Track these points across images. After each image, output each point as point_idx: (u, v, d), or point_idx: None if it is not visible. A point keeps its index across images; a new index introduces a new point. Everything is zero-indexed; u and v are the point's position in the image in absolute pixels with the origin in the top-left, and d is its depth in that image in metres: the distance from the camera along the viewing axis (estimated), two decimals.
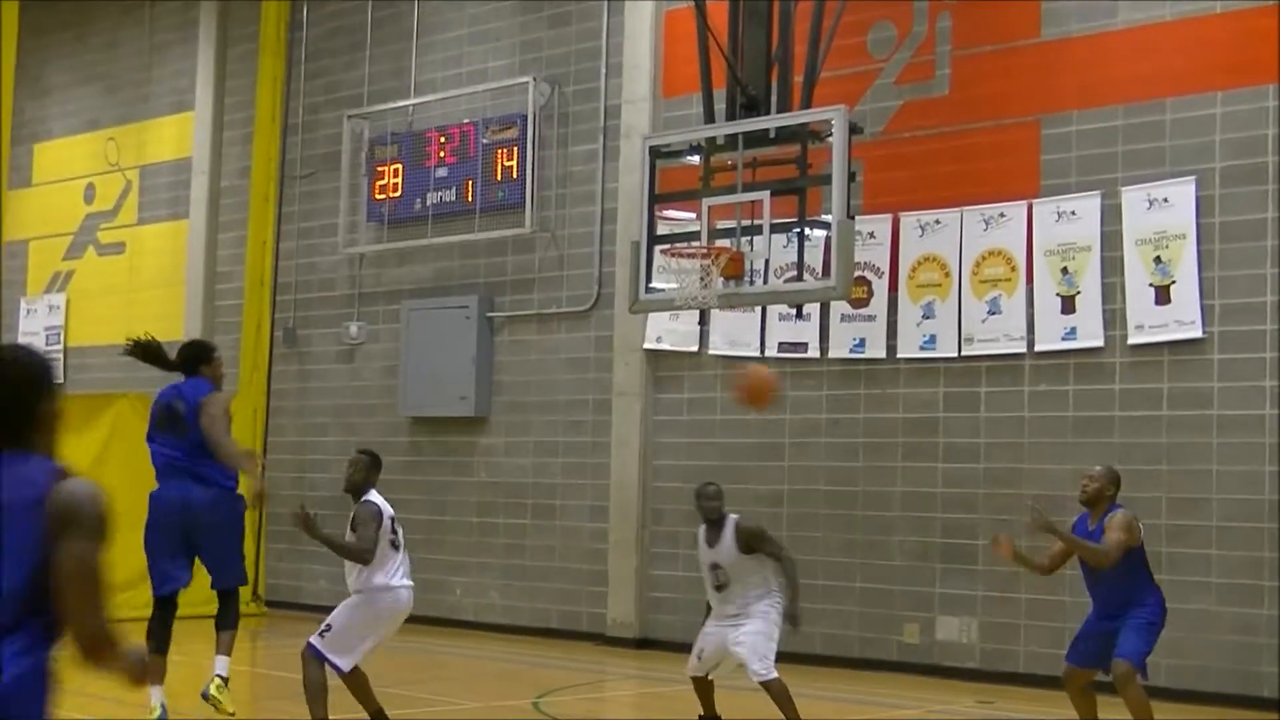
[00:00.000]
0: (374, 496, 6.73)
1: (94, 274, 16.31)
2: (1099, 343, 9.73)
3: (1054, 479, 9.81)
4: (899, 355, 10.52)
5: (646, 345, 11.69)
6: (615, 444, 11.88)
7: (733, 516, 7.29)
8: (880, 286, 10.66)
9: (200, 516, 7.27)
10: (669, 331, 11.56)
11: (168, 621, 7.37)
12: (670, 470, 11.71)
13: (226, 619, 7.44)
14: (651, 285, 9.17)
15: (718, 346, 11.31)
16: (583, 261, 12.40)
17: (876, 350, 10.64)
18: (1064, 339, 9.87)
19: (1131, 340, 9.63)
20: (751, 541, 7.15)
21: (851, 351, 10.75)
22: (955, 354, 10.29)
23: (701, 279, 8.68)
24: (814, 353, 10.89)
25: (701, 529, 7.39)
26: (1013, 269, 10.12)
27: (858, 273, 9.95)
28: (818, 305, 10.48)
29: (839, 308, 10.62)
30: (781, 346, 11.05)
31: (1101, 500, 7.18)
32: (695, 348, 11.43)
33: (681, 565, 11.28)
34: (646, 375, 11.83)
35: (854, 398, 10.84)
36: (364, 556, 6.63)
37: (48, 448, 2.78)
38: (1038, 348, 9.97)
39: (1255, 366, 9.27)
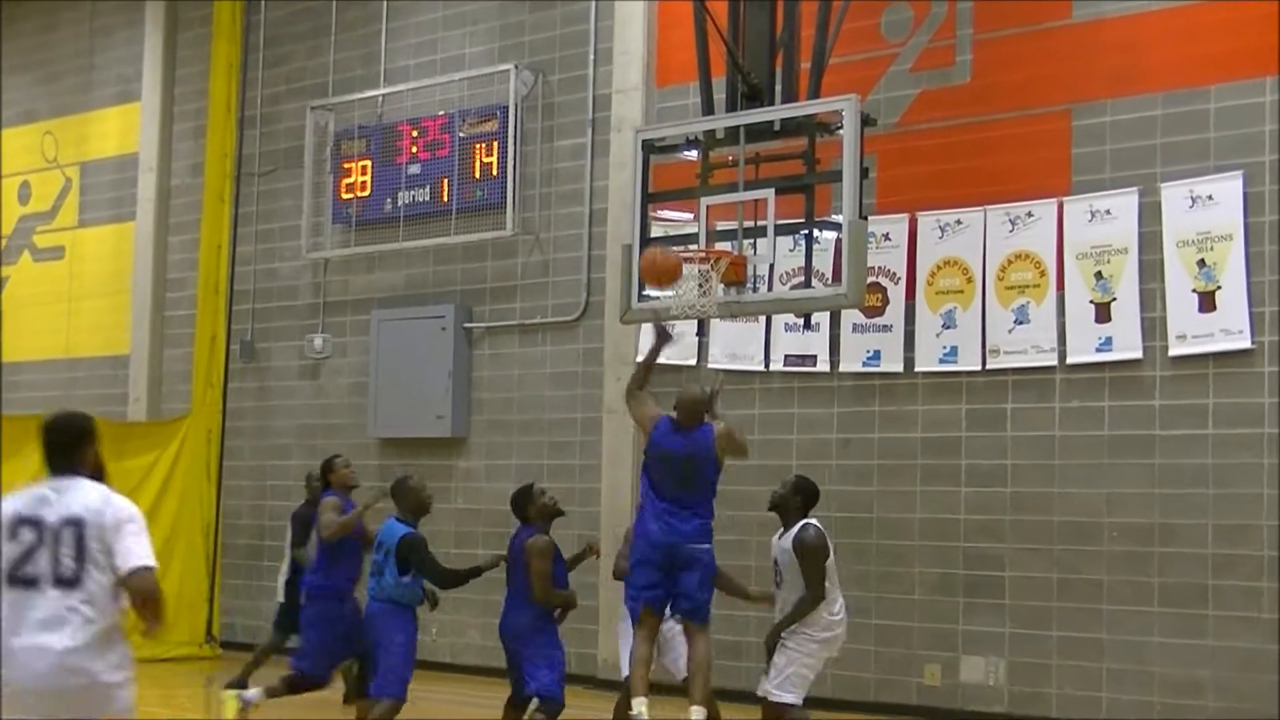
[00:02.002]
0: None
1: (30, 281, 16.27)
2: (1137, 354, 9.75)
3: (1087, 504, 9.90)
4: (917, 369, 10.53)
5: (640, 358, 11.01)
6: (606, 466, 11.87)
7: (807, 521, 7.64)
8: (896, 293, 10.66)
9: None
10: None
11: None
12: None
13: None
14: (645, 293, 9.18)
15: (718, 360, 11.26)
16: (569, 267, 12.43)
17: (892, 363, 10.65)
18: (1098, 350, 9.88)
19: (1173, 351, 9.64)
20: (800, 553, 7.52)
21: (865, 365, 10.75)
22: (979, 367, 10.30)
23: (700, 285, 8.68)
24: (823, 366, 10.91)
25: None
26: (1042, 274, 10.14)
27: (871, 278, 10.05)
28: (827, 314, 10.48)
29: (851, 317, 10.65)
30: (788, 360, 11.08)
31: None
32: (693, 361, 11.33)
33: None
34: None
35: (868, 415, 10.83)
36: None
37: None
38: (1069, 360, 9.98)
39: None
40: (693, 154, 9.22)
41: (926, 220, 10.57)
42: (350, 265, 13.80)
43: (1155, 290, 9.73)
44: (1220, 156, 9.56)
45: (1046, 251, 10.09)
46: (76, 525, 4.48)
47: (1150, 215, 9.75)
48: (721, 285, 8.74)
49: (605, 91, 12.12)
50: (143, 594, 4.40)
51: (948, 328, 10.43)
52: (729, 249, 8.80)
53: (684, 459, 7.73)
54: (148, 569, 4.47)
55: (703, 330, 10.97)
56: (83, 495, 4.56)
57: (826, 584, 7.56)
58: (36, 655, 4.36)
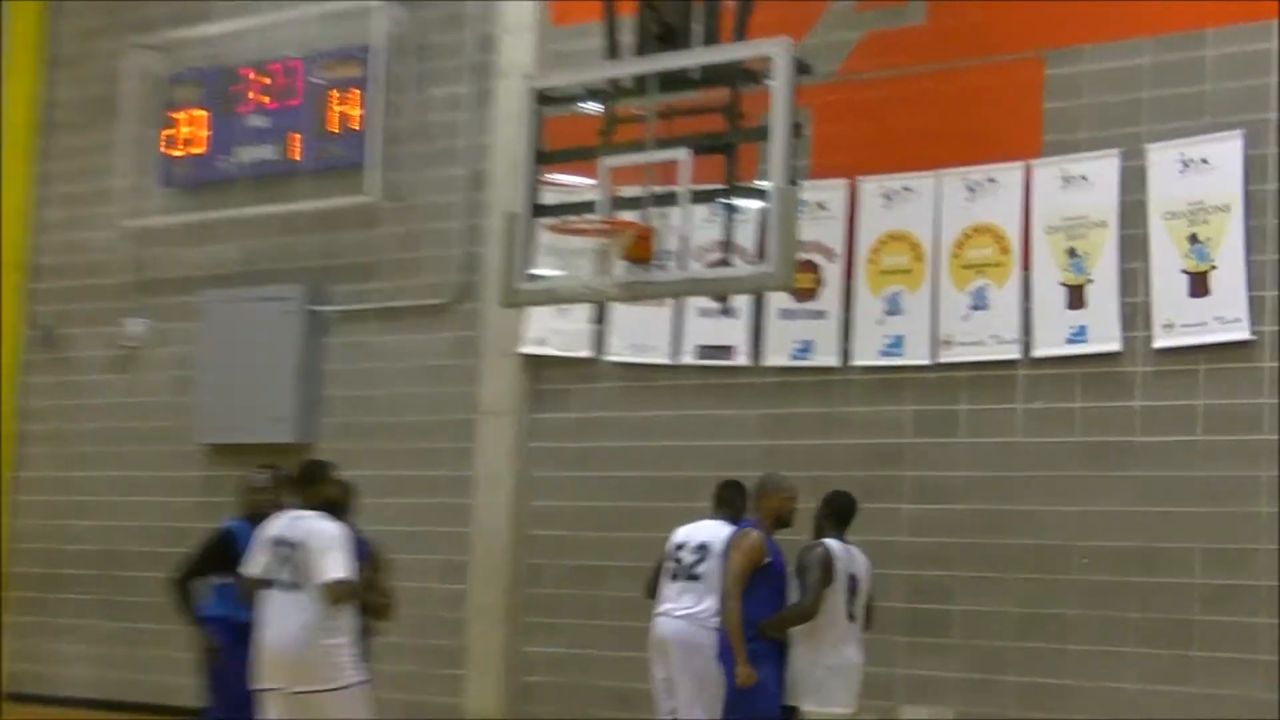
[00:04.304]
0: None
1: None
2: (1116, 346, 9.72)
3: (1054, 525, 9.83)
4: (855, 362, 10.51)
5: (525, 349, 11.70)
6: (480, 480, 11.86)
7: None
8: (832, 273, 10.63)
9: None
10: (555, 332, 11.59)
11: None
12: (552, 515, 11.64)
13: None
14: (533, 271, 9.21)
15: (618, 352, 11.34)
16: (443, 240, 12.39)
17: (826, 356, 10.63)
18: (1070, 342, 9.87)
19: (1158, 343, 9.60)
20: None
21: (793, 358, 10.74)
22: (928, 361, 10.27)
23: (599, 263, 8.80)
24: (744, 359, 10.87)
25: None
26: (1004, 251, 10.13)
27: (803, 255, 10.00)
28: (750, 298, 10.57)
29: (778, 301, 10.64)
30: (702, 352, 11.04)
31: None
32: (589, 353, 11.43)
33: (565, 639, 11.29)
34: (524, 389, 11.84)
35: (796, 419, 10.78)
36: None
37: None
38: (1036, 353, 9.96)
39: None
40: (594, 107, 9.24)
41: (869, 187, 10.57)
42: (176, 236, 13.64)
43: (1138, 270, 9.71)
44: (1217, 113, 9.55)
45: (1011, 224, 10.07)
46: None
47: (1134, 182, 9.74)
48: (624, 262, 8.78)
49: (489, 30, 12.13)
50: None
51: (892, 314, 10.40)
52: (634, 219, 8.81)
53: None
54: None
55: (600, 316, 11.15)
56: None
57: None
58: None
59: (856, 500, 8.59)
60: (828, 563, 8.26)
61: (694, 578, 8.78)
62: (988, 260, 10.19)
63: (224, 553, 8.76)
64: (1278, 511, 9.26)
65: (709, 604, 8.61)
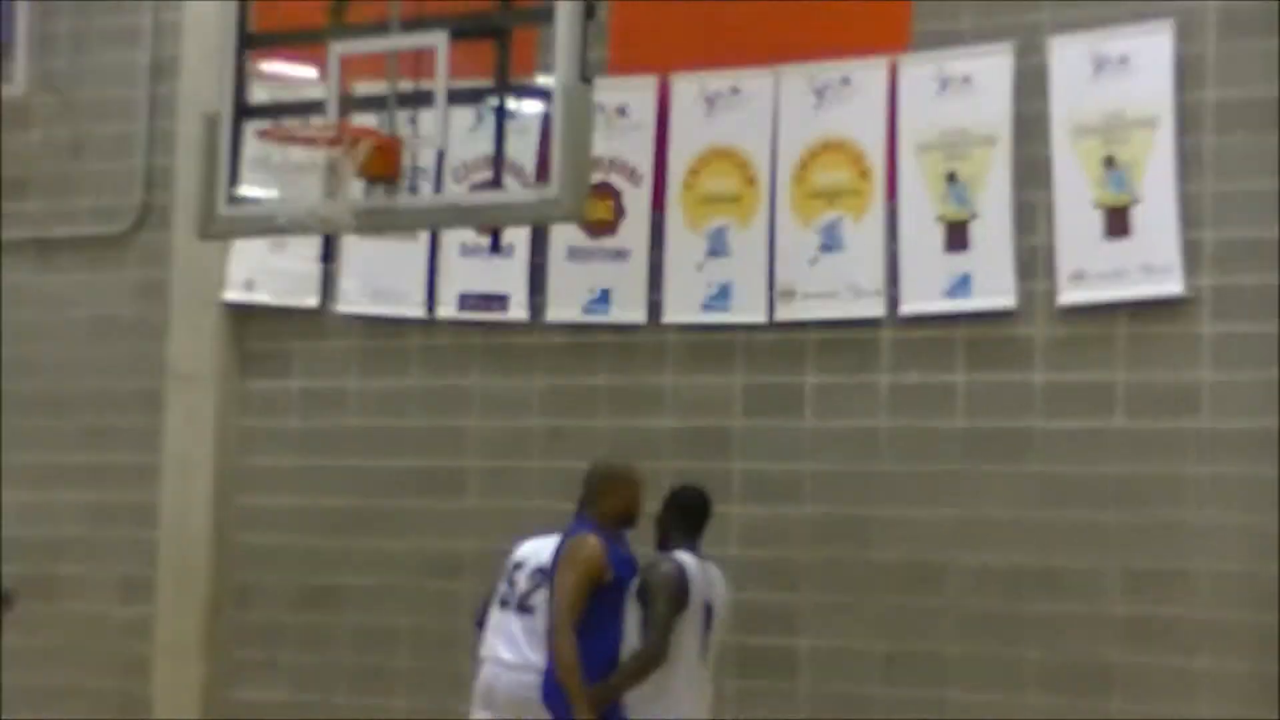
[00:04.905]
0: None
1: None
2: (1009, 302, 9.19)
3: (927, 534, 9.38)
4: (667, 319, 9.99)
5: (229, 296, 10.94)
6: (170, 467, 11.08)
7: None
8: (636, 201, 10.08)
9: None
10: (270, 274, 10.90)
11: None
12: (269, 516, 10.91)
13: None
14: (239, 193, 8.81)
15: (355, 301, 10.66)
16: (118, 148, 11.60)
17: (629, 310, 10.12)
18: (949, 295, 9.36)
19: (1064, 299, 9.08)
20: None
21: (587, 312, 10.23)
22: (764, 318, 9.78)
23: (327, 182, 8.30)
24: (520, 313, 10.33)
25: None
26: (863, 174, 9.66)
27: (599, 176, 9.62)
28: (528, 232, 10.05)
29: (565, 237, 10.10)
30: (465, 302, 10.42)
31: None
32: (315, 301, 10.75)
33: (287, 683, 10.58)
34: (229, 349, 11.08)
35: (589, 392, 10.31)
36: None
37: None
38: (904, 309, 9.47)
39: (1269, 346, 8.67)
40: None
41: (686, 87, 10.06)
42: None
43: (1038, 203, 9.20)
44: None
45: (871, 140, 9.59)
46: None
47: (1032, 87, 9.25)
48: (362, 182, 8.37)
49: None
50: None
51: (717, 256, 9.91)
52: (374, 126, 8.49)
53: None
54: None
55: (330, 253, 10.50)
56: None
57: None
58: None
59: (709, 498, 7.76)
60: (681, 585, 7.35)
61: (527, 610, 7.88)
62: (842, 187, 9.74)
63: None
64: (1227, 519, 8.68)
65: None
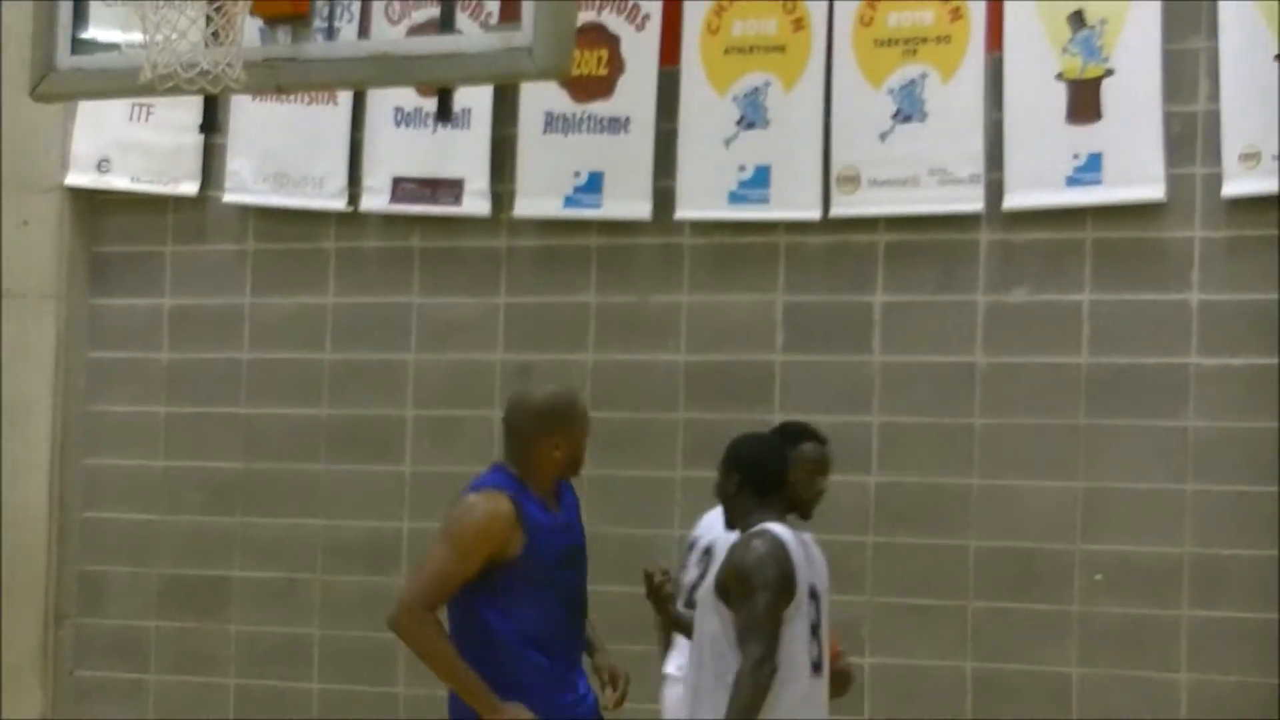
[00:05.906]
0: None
1: None
2: (1155, 193, 8.08)
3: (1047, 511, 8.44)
4: (681, 215, 8.87)
5: (74, 181, 9.94)
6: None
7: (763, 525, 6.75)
8: (639, 49, 9.01)
9: None
10: (129, 149, 9.95)
11: None
12: (129, 482, 9.90)
13: None
14: (85, 36, 8.08)
15: (246, 187, 9.64)
16: None
17: (628, 203, 9.03)
18: (1074, 182, 8.37)
19: (1230, 189, 8.07)
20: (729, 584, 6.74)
21: (569, 205, 9.20)
22: (816, 214, 8.68)
23: (211, 25, 7.63)
24: (476, 205, 9.19)
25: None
26: (954, 12, 8.70)
27: (588, 15, 8.93)
28: (488, 92, 9.18)
29: (541, 100, 9.11)
30: (401, 190, 9.40)
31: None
32: (193, 188, 9.69)
33: (150, 707, 9.62)
34: (74, 254, 10.11)
35: (573, 314, 9.26)
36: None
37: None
38: (1011, 202, 8.49)
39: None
40: None
41: None
42: None
43: (1198, 54, 8.12)
44: None
45: None
46: None
47: None
48: (260, 26, 7.77)
49: None
50: None
51: (751, 126, 8.82)
52: None
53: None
54: None
55: (213, 122, 8.98)
56: None
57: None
58: None
59: (785, 452, 6.77)
60: (784, 570, 6.38)
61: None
62: (924, 30, 8.71)
63: None
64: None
65: None
